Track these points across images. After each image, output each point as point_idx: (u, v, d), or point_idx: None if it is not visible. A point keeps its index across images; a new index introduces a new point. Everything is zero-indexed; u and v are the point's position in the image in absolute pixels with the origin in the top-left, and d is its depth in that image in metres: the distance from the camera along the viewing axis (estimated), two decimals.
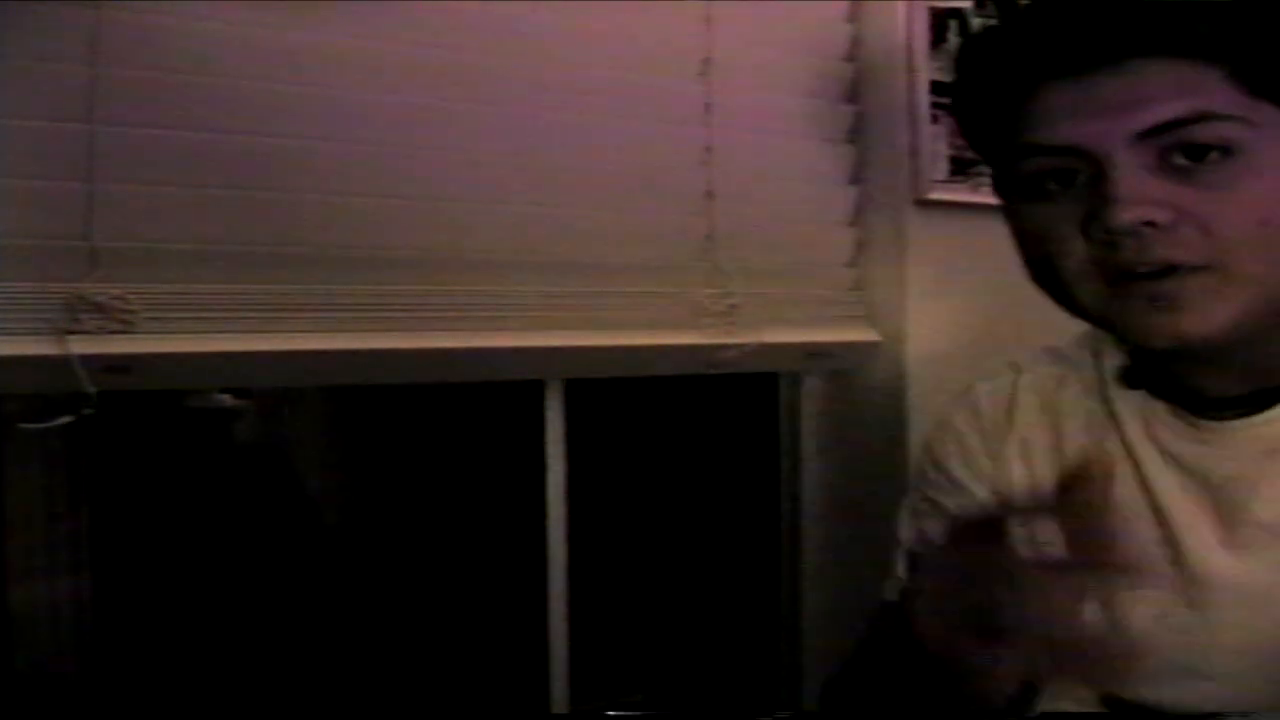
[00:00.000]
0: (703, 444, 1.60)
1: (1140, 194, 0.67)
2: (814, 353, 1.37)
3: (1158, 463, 0.80)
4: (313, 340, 1.06)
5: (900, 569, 0.91)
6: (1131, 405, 0.83)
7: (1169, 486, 0.80)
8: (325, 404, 1.36)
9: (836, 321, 1.39)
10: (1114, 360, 0.85)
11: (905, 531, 0.92)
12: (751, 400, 1.54)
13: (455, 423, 1.45)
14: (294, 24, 1.05)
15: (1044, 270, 0.75)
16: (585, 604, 1.39)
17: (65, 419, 0.96)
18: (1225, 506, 0.78)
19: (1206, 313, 0.69)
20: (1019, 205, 0.75)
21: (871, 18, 1.39)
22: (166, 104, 1.00)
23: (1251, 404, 0.76)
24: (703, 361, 1.28)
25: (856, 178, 1.41)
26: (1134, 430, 0.82)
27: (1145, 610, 0.79)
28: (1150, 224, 0.67)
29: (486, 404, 1.47)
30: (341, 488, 1.39)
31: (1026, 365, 0.92)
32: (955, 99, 0.81)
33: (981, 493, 0.87)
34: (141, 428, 1.26)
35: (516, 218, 1.18)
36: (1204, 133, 0.67)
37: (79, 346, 0.94)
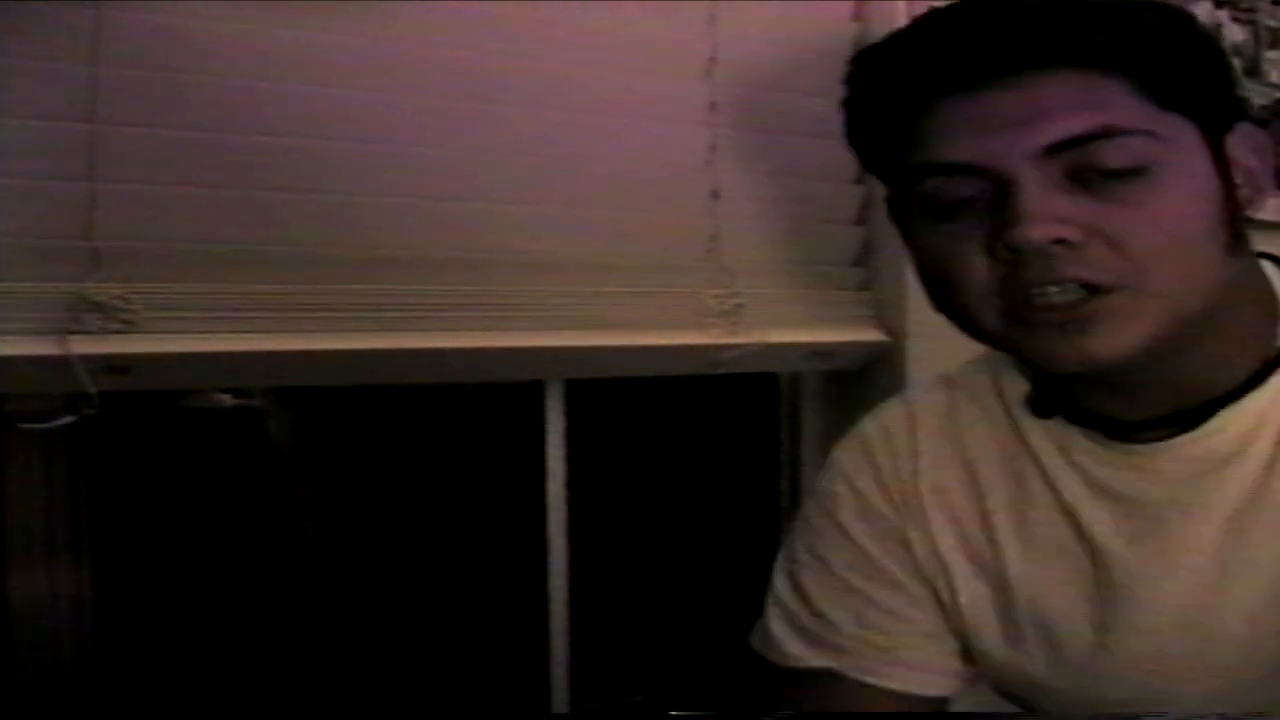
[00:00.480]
0: (703, 444, 1.60)
1: (1047, 211, 0.64)
2: (818, 353, 1.37)
3: (1082, 493, 0.77)
4: (313, 340, 1.06)
5: (772, 624, 0.87)
6: (1045, 434, 0.79)
7: (1099, 517, 0.76)
8: (326, 404, 1.35)
9: (842, 321, 1.38)
10: (1014, 384, 0.81)
11: (782, 586, 0.87)
12: (752, 400, 1.54)
13: (455, 423, 1.45)
14: (294, 24, 1.05)
15: (943, 293, 0.71)
16: (585, 604, 1.39)
17: (66, 419, 0.95)
18: (1160, 531, 0.75)
19: (1116, 333, 0.66)
20: (917, 226, 0.72)
21: (876, 17, 1.38)
22: (168, 104, 0.99)
23: (1174, 424, 0.73)
24: (706, 361, 1.28)
25: (862, 177, 1.40)
26: (1053, 461, 0.78)
27: (1082, 642, 0.77)
28: (1060, 242, 0.65)
29: (486, 404, 1.47)
30: (341, 487, 1.39)
31: (916, 396, 0.88)
32: (846, 119, 0.76)
33: (874, 548, 0.83)
34: (141, 428, 1.25)
35: (519, 217, 1.18)
36: (1110, 152, 0.65)
37: (80, 346, 0.94)
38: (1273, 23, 1.80)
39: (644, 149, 1.26)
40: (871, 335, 1.39)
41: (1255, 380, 0.72)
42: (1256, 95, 1.76)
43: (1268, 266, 0.76)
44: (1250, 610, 0.73)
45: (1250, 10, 1.77)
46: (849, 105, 0.75)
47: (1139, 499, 0.75)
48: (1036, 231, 0.64)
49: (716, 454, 1.60)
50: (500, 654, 1.45)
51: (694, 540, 1.55)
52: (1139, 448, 0.74)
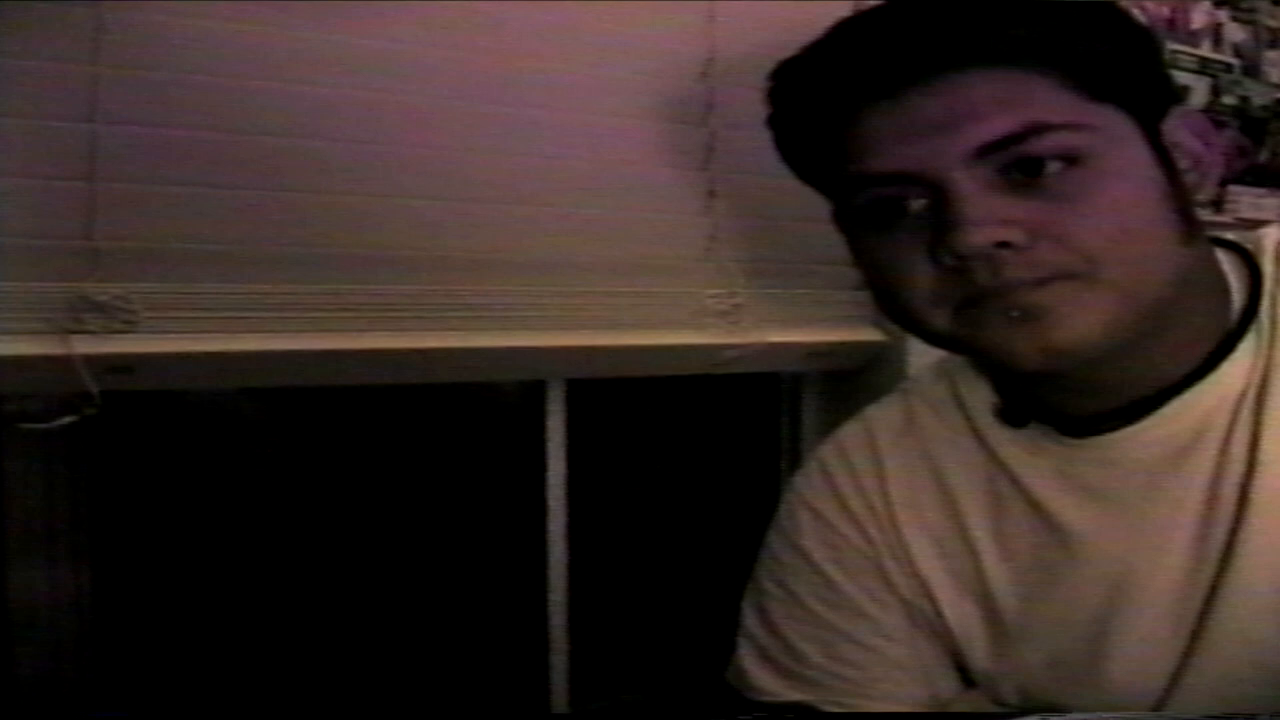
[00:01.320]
0: (703, 444, 1.60)
1: (987, 214, 0.63)
2: (818, 352, 1.37)
3: (1054, 492, 0.76)
4: (313, 340, 1.06)
5: (742, 656, 0.86)
6: (1011, 438, 0.78)
7: (1075, 514, 0.76)
8: (325, 404, 1.36)
9: (841, 321, 1.38)
10: (974, 390, 0.80)
11: (751, 619, 0.86)
12: (752, 400, 1.54)
13: (455, 423, 1.45)
14: (295, 24, 1.05)
15: (892, 301, 0.70)
16: (585, 604, 1.39)
17: (67, 419, 0.95)
18: (1137, 522, 0.74)
19: (1074, 321, 0.64)
20: (860, 236, 0.71)
21: None
22: (168, 104, 0.99)
23: (1134, 413, 0.72)
24: (706, 362, 1.28)
25: None
26: (1020, 464, 0.78)
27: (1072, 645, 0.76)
28: (1004, 245, 0.63)
29: (486, 404, 1.47)
30: (341, 487, 1.39)
31: (871, 412, 0.87)
32: (774, 135, 0.75)
33: (839, 575, 0.82)
34: (142, 428, 1.25)
35: (518, 217, 1.18)
36: (1039, 145, 0.63)
37: (81, 346, 0.94)
38: (1273, 23, 1.80)
39: (642, 149, 1.26)
40: (871, 335, 1.40)
41: (1210, 364, 0.72)
42: (1256, 95, 1.76)
43: (1218, 252, 0.76)
44: (1238, 597, 0.71)
45: (1250, 10, 1.77)
46: (774, 121, 0.74)
47: (1109, 490, 0.74)
48: (977, 237, 0.63)
49: (716, 454, 1.60)
50: (500, 654, 1.44)
51: (694, 540, 1.55)
52: (1101, 439, 0.74)
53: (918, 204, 0.66)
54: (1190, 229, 0.68)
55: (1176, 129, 0.69)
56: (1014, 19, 0.64)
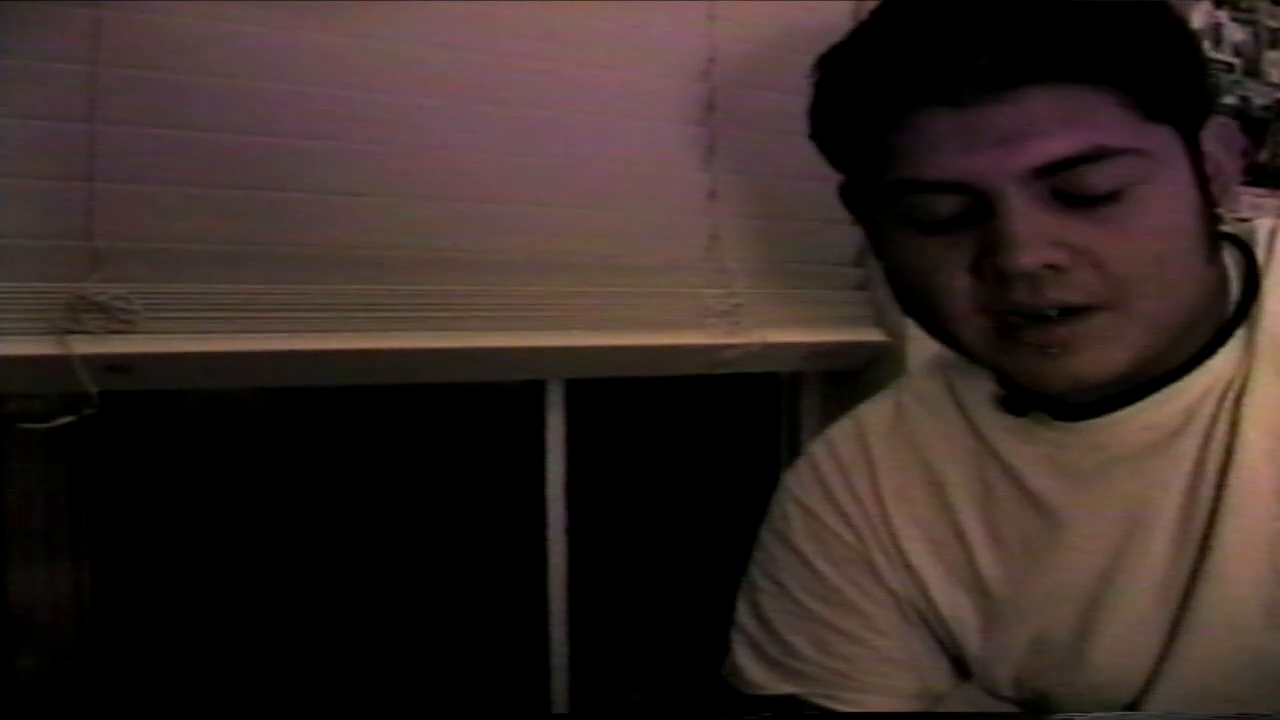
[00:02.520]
0: (703, 444, 1.60)
1: (1038, 235, 0.63)
2: (818, 352, 1.37)
3: (1045, 476, 0.77)
4: (313, 340, 1.06)
5: (736, 651, 0.87)
6: (1004, 428, 0.79)
7: (1065, 499, 0.76)
8: (325, 404, 1.36)
9: (841, 321, 1.38)
10: (971, 385, 0.81)
11: (744, 614, 0.87)
12: (752, 401, 1.54)
13: (455, 423, 1.45)
14: (294, 24, 1.05)
15: (920, 304, 0.70)
16: (585, 604, 1.39)
17: (66, 419, 0.95)
18: (1122, 502, 0.74)
19: (1102, 355, 0.66)
20: (895, 235, 0.70)
21: None
22: (167, 104, 0.99)
23: (1130, 399, 0.73)
24: (706, 362, 1.28)
25: None
26: (1012, 452, 0.78)
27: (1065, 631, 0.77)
28: (1050, 266, 0.63)
29: (486, 404, 1.47)
30: (341, 487, 1.39)
31: (862, 410, 0.88)
32: (813, 122, 0.74)
33: (829, 570, 0.83)
34: (141, 427, 1.25)
35: (518, 217, 1.18)
36: (1097, 176, 0.63)
37: (80, 346, 0.94)
38: (1273, 23, 1.80)
39: (643, 149, 1.26)
40: (871, 335, 1.40)
41: (1205, 353, 0.73)
42: (1256, 95, 1.76)
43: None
44: (1219, 582, 0.71)
45: (1250, 10, 1.77)
46: (816, 108, 0.73)
47: (1097, 473, 0.75)
48: (1029, 258, 0.63)
49: (716, 454, 1.60)
50: (500, 654, 1.44)
51: (693, 540, 1.55)
52: (1092, 423, 0.74)
53: (963, 212, 0.66)
54: (1214, 245, 0.69)
55: (1211, 139, 0.69)
56: (1083, 32, 0.62)
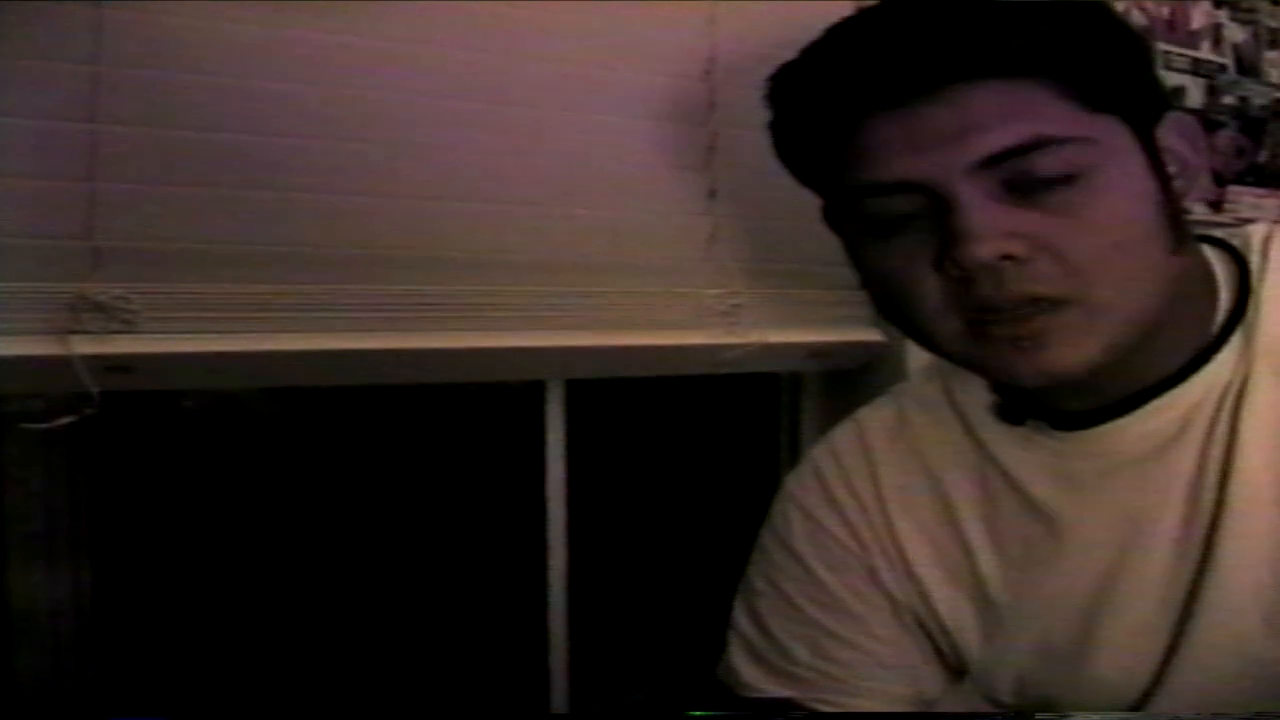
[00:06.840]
0: (703, 444, 1.60)
1: (992, 227, 0.64)
2: (818, 352, 1.37)
3: (1046, 485, 0.77)
4: (313, 340, 1.06)
5: (732, 653, 0.87)
6: (1004, 435, 0.79)
7: (1066, 507, 0.77)
8: (325, 404, 1.36)
9: (841, 321, 1.38)
10: (969, 391, 0.82)
11: (741, 616, 0.88)
12: (751, 400, 1.54)
13: (455, 423, 1.45)
14: (294, 24, 1.05)
15: (894, 308, 0.71)
16: (585, 603, 1.39)
17: (67, 419, 0.95)
18: (1123, 510, 0.75)
19: (1073, 348, 0.66)
20: (862, 243, 0.71)
21: None
22: (169, 103, 0.99)
23: (1124, 409, 0.74)
24: (706, 362, 1.28)
25: None
26: (1013, 460, 0.79)
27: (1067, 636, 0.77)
28: (1008, 257, 0.64)
29: (486, 404, 1.47)
30: (341, 487, 1.39)
31: (863, 414, 0.88)
32: (773, 138, 0.76)
33: (828, 575, 0.83)
34: (141, 427, 1.25)
35: (518, 217, 1.18)
36: (1044, 163, 0.64)
37: (81, 346, 0.94)
38: (1273, 23, 1.80)
39: (643, 149, 1.26)
40: (871, 335, 1.39)
41: (1199, 360, 0.73)
42: (1256, 95, 1.76)
43: (1206, 249, 0.77)
44: (1220, 589, 0.72)
45: (1250, 10, 1.77)
46: (774, 126, 0.75)
47: (1098, 482, 0.75)
48: (984, 249, 0.64)
49: (716, 454, 1.60)
50: (500, 654, 1.45)
51: (693, 540, 1.55)
52: (1091, 432, 0.75)
53: (921, 212, 0.67)
54: (1179, 236, 0.69)
55: (1168, 134, 0.70)
56: (1016, 30, 0.64)
